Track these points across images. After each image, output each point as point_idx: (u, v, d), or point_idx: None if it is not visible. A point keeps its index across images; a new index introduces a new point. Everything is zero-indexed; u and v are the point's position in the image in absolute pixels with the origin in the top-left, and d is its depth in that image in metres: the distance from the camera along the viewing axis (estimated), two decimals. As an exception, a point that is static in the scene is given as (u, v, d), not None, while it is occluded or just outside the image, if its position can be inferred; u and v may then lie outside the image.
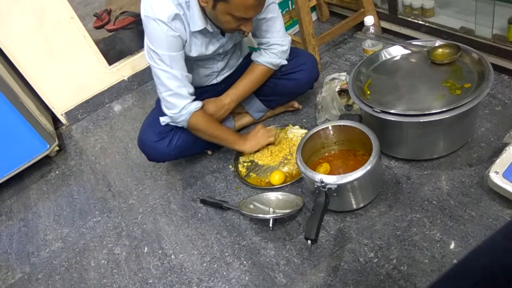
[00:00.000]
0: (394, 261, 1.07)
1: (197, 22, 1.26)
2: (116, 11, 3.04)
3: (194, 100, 1.38)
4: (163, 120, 1.42)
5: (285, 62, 1.49)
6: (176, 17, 1.24)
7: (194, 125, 1.39)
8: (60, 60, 2.09)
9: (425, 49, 1.32)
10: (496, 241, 0.66)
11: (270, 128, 1.59)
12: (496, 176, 1.09)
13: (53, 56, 2.06)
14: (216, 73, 1.54)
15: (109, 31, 2.85)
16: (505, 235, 0.65)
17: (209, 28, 1.31)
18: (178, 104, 1.34)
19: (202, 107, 1.40)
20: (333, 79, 1.63)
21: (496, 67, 1.42)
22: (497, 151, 1.19)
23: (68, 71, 2.14)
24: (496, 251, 0.63)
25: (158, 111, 1.46)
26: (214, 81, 1.56)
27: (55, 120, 2.25)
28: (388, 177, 1.29)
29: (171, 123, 1.42)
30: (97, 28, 2.97)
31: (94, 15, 3.03)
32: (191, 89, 1.36)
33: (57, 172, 1.95)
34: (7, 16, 1.88)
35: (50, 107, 2.18)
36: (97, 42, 2.21)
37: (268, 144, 1.54)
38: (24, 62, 2.00)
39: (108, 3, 3.23)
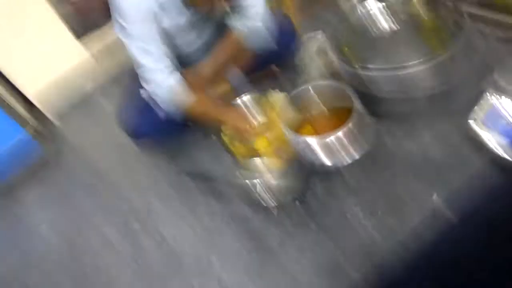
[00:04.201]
0: (380, 215, 1.10)
1: None
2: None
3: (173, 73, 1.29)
4: (142, 92, 1.36)
5: (260, 24, 1.44)
6: None
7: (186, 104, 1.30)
8: (27, 40, 1.99)
9: (400, 1, 1.29)
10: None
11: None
12: (474, 124, 1.10)
13: (19, 37, 1.97)
14: (198, 44, 1.47)
15: (73, 3, 2.71)
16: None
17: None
18: (155, 78, 1.26)
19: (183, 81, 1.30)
20: (310, 38, 1.59)
21: (472, 16, 1.40)
22: (475, 100, 1.20)
23: (36, 51, 2.04)
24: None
25: (133, 84, 1.40)
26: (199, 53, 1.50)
27: (29, 105, 2.17)
28: (372, 134, 1.29)
29: (152, 97, 1.34)
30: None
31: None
32: (168, 63, 1.28)
33: (38, 159, 1.90)
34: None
35: (22, 91, 2.10)
36: (64, 16, 2.10)
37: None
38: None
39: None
